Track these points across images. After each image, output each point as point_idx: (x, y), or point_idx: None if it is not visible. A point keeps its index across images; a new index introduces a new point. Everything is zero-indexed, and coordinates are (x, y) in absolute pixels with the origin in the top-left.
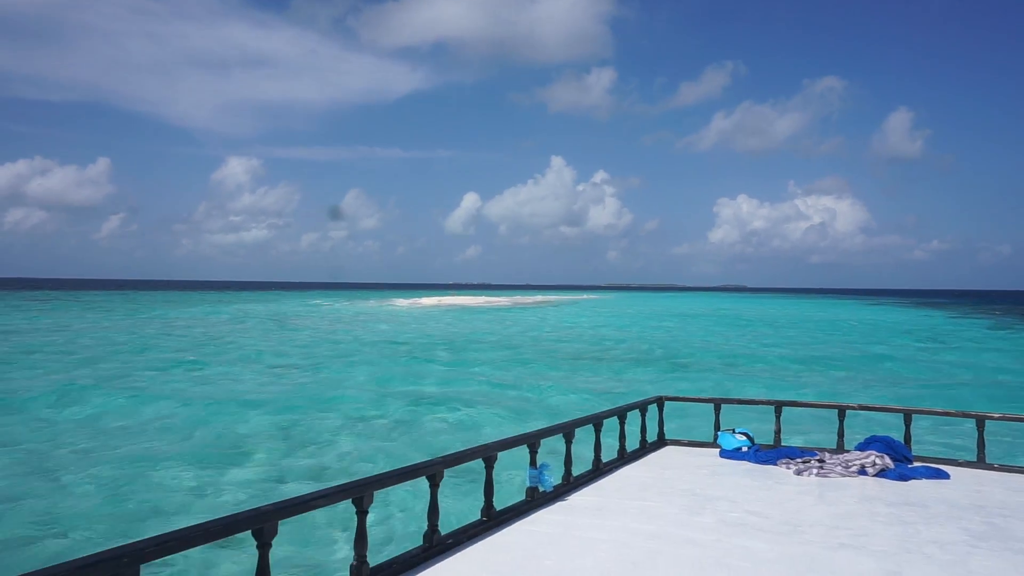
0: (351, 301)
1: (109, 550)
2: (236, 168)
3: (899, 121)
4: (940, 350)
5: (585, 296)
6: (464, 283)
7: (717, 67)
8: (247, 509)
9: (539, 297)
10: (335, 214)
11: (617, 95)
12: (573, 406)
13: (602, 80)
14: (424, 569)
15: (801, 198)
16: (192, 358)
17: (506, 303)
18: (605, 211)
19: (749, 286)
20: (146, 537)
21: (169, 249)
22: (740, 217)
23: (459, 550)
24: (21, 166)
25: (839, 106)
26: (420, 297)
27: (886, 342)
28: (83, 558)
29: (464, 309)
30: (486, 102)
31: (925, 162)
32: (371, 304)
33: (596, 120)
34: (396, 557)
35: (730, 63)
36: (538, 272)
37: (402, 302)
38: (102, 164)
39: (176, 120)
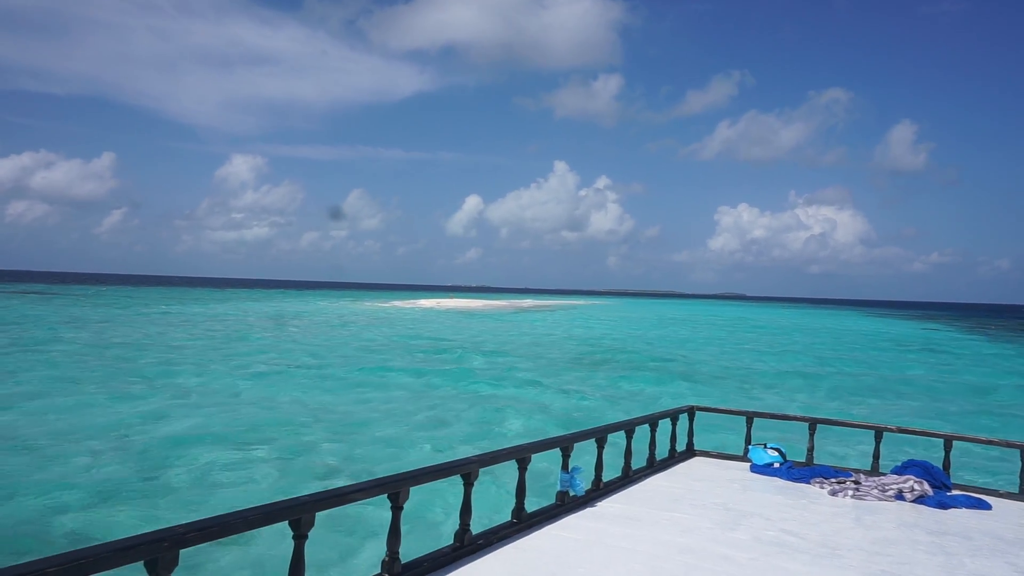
0: (356, 301)
1: (149, 533)
2: (240, 166)
3: (902, 134)
4: (940, 366)
5: (583, 301)
6: (463, 285)
7: (724, 76)
8: (285, 499)
9: (533, 301)
10: (336, 214)
11: (624, 102)
12: (587, 414)
13: (609, 87)
14: (455, 569)
15: (802, 208)
16: (197, 359)
17: (505, 306)
18: (607, 217)
19: (748, 294)
20: (187, 522)
21: (170, 245)
22: (740, 226)
23: (490, 551)
24: (26, 159)
25: (843, 117)
26: (419, 299)
27: (888, 354)
28: (122, 540)
29: (465, 313)
30: (492, 106)
31: (927, 175)
32: (381, 305)
33: (602, 126)
34: (427, 555)
35: (737, 73)
36: (537, 276)
37: (402, 303)
38: (107, 159)
39: (179, 116)
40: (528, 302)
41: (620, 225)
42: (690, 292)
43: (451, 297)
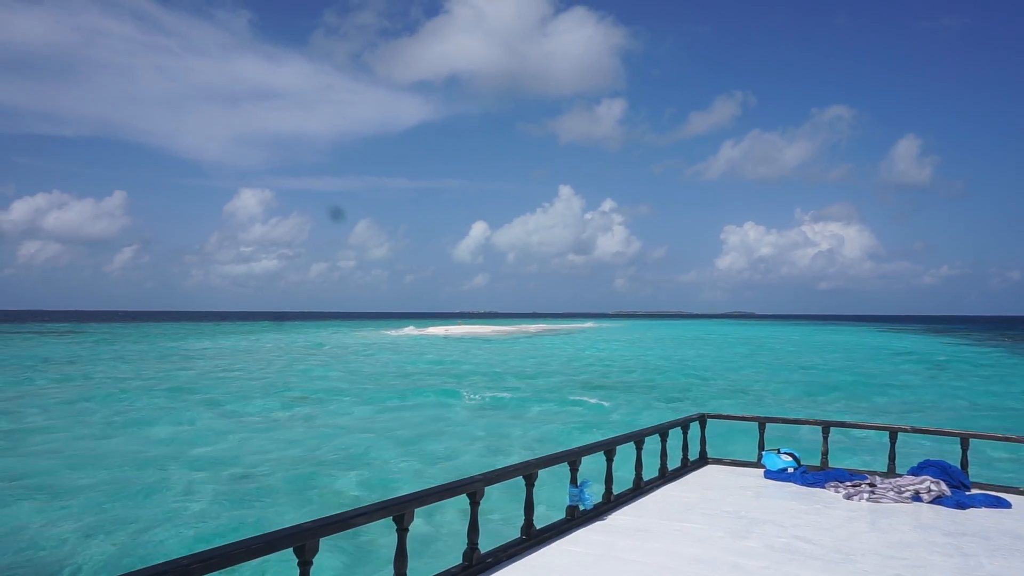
0: (372, 331)
1: (152, 567)
2: (248, 200)
3: (907, 148)
4: (956, 376)
5: (593, 324)
6: (471, 312)
7: (727, 97)
8: (288, 526)
9: (543, 325)
10: (336, 215)
11: (628, 125)
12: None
13: (613, 111)
14: None
15: (809, 225)
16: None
17: (515, 331)
18: (613, 239)
19: (757, 313)
20: (189, 554)
21: (179, 280)
22: (747, 244)
23: (498, 569)
24: (40, 200)
25: (847, 134)
26: (428, 327)
27: (902, 367)
28: (128, 574)
29: (481, 339)
30: (496, 133)
31: (934, 188)
32: (394, 333)
33: (606, 150)
34: None
35: (740, 93)
36: (545, 300)
37: (416, 331)
38: (118, 197)
39: (187, 153)
40: (537, 327)
41: (627, 247)
42: (699, 312)
43: (459, 324)
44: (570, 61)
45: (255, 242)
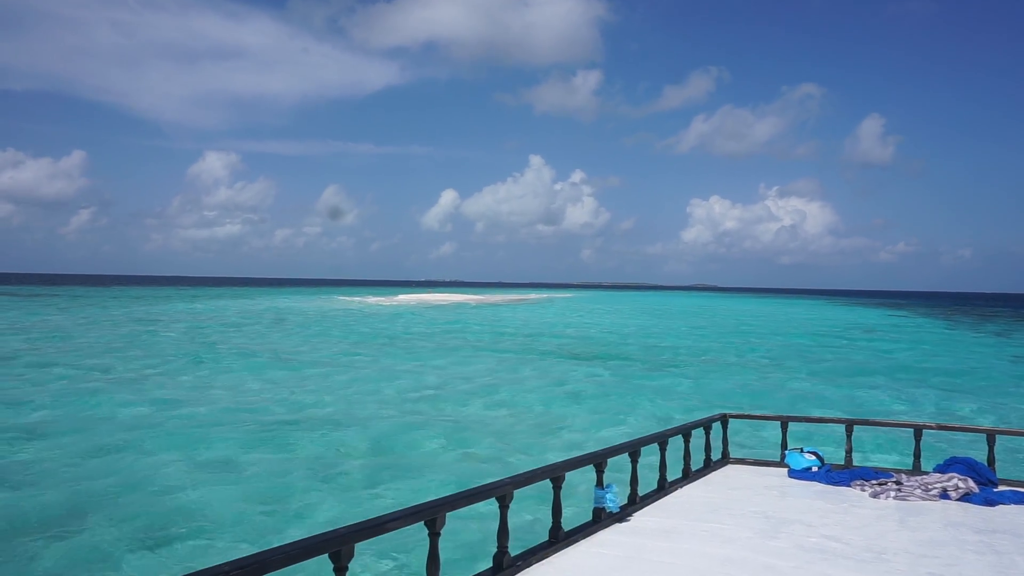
0: (351, 296)
1: (195, 573)
2: (212, 163)
3: (871, 127)
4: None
5: (561, 295)
6: (437, 280)
7: (702, 72)
8: (324, 532)
9: (514, 295)
10: (335, 214)
11: (603, 97)
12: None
13: (588, 82)
14: None
15: (773, 200)
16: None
17: (483, 300)
18: (582, 210)
19: (720, 286)
20: (226, 561)
21: (138, 244)
22: (713, 218)
23: (527, 571)
24: None
25: (816, 112)
26: (406, 294)
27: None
28: None
29: (466, 306)
30: (468, 101)
31: (895, 167)
32: (372, 300)
33: (580, 121)
34: None
35: (715, 68)
36: (512, 270)
37: (401, 298)
38: (77, 157)
39: (144, 112)
40: (501, 297)
41: (595, 218)
42: (663, 284)
43: (429, 292)
44: (549, 31)
45: (219, 206)
